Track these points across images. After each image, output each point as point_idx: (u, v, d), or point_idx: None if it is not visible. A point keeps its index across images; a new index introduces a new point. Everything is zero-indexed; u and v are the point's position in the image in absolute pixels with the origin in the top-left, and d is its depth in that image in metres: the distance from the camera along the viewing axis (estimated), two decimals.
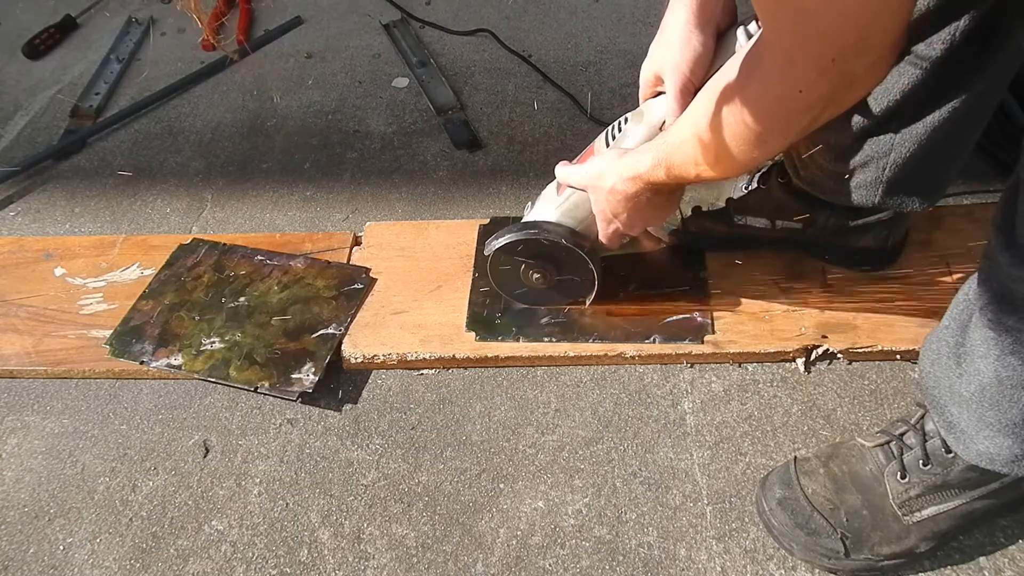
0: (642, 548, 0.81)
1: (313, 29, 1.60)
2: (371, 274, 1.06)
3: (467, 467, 0.89)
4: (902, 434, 0.76)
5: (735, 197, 0.98)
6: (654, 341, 0.94)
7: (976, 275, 0.66)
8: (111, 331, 1.02)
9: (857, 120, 0.79)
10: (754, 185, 0.97)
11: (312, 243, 1.12)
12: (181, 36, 1.62)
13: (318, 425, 0.94)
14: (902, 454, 0.75)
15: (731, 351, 0.93)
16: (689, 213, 1.01)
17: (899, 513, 0.74)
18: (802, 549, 0.76)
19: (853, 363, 0.94)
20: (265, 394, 0.95)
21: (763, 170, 0.98)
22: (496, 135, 1.30)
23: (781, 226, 0.96)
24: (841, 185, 0.85)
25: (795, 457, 0.80)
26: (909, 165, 0.80)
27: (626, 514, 0.83)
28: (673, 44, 0.80)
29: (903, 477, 0.74)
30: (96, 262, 1.13)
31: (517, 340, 0.96)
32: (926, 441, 0.74)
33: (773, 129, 0.64)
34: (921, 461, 0.74)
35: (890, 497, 0.75)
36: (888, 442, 0.77)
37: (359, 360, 0.98)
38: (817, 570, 0.77)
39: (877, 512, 0.75)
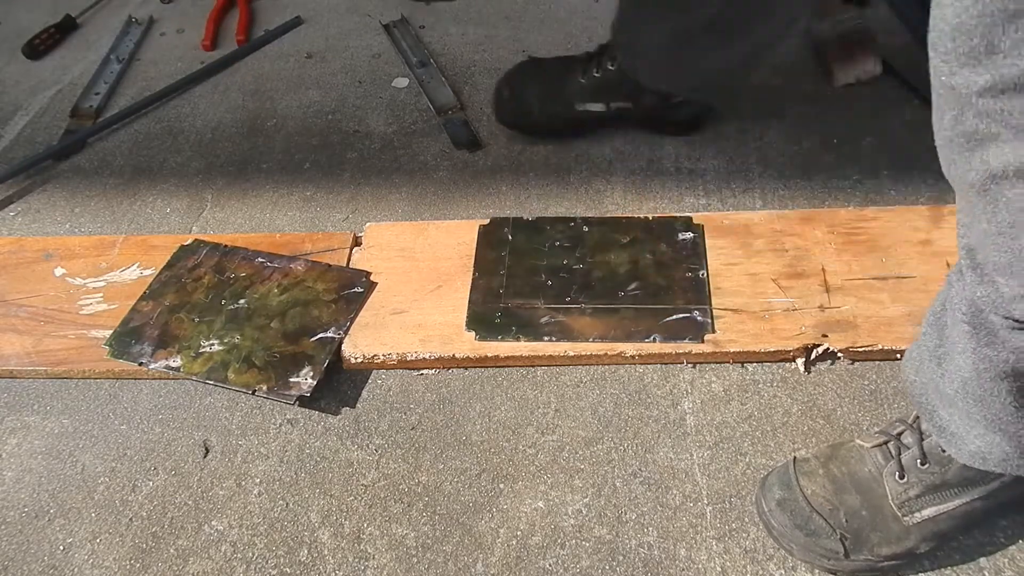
0: (642, 548, 0.81)
1: (313, 29, 1.60)
2: (372, 274, 1.06)
3: (467, 467, 0.89)
4: (900, 434, 0.76)
5: (575, 87, 1.19)
6: (654, 340, 0.94)
7: (948, 279, 0.67)
8: (111, 331, 1.02)
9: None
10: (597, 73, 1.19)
11: (312, 243, 1.12)
12: (181, 36, 1.63)
13: (318, 425, 0.94)
14: (900, 454, 0.75)
15: (731, 350, 0.93)
16: (537, 106, 1.21)
17: (898, 514, 0.74)
18: (802, 550, 0.76)
19: (853, 363, 0.94)
20: (263, 397, 0.95)
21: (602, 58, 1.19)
22: (496, 135, 1.30)
23: (615, 107, 1.20)
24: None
25: (794, 458, 0.80)
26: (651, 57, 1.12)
27: (626, 514, 0.83)
28: None
29: (902, 477, 0.74)
30: (96, 262, 1.13)
31: (517, 340, 0.96)
32: (923, 440, 0.74)
33: None
34: (919, 460, 0.74)
35: (889, 497, 0.75)
36: (886, 442, 0.77)
37: (359, 360, 0.98)
38: (817, 571, 0.77)
39: (876, 513, 0.75)
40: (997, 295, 0.59)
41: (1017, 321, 0.59)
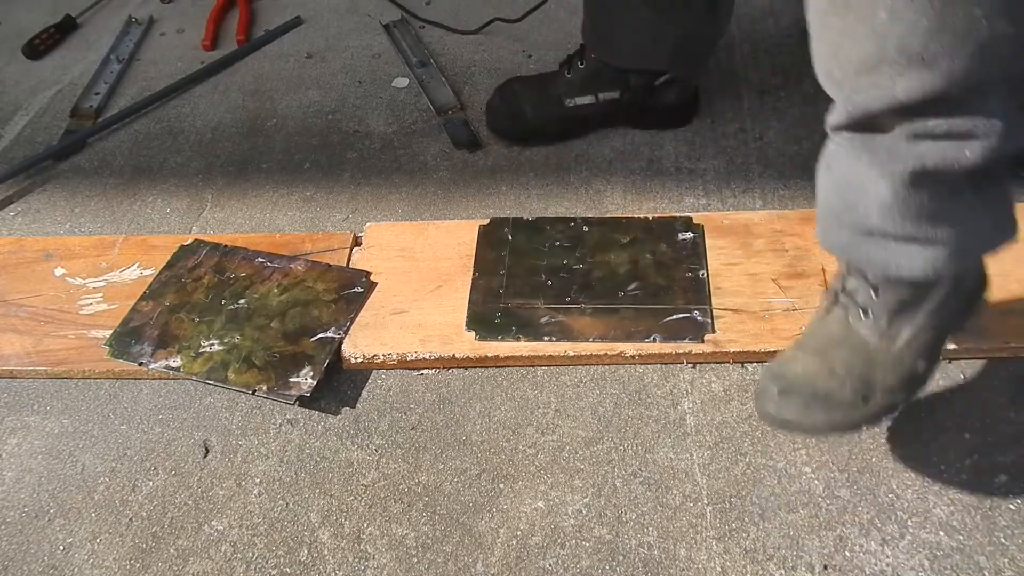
0: (642, 548, 0.81)
1: (313, 29, 1.60)
2: (372, 274, 1.06)
3: (467, 467, 0.89)
4: (843, 283, 0.78)
5: (562, 83, 1.21)
6: (654, 340, 0.94)
7: (831, 135, 0.70)
8: (111, 331, 1.02)
9: None
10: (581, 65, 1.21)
11: (312, 243, 1.12)
12: (181, 36, 1.63)
13: (318, 425, 0.94)
14: (855, 298, 0.76)
15: (731, 350, 0.93)
16: (529, 109, 1.23)
17: (881, 346, 0.75)
18: (825, 423, 0.75)
19: None
20: (263, 397, 0.95)
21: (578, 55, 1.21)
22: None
23: (603, 98, 1.20)
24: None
25: (767, 365, 0.81)
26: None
27: (626, 514, 0.83)
28: None
29: (866, 315, 0.75)
30: (96, 262, 1.13)
31: (517, 339, 0.96)
32: (865, 276, 0.75)
33: None
34: (872, 293, 0.75)
35: (866, 335, 0.76)
36: (836, 298, 0.78)
37: (359, 360, 0.98)
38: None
39: (865, 355, 0.76)
40: (870, 86, 0.61)
41: (910, 105, 0.60)
